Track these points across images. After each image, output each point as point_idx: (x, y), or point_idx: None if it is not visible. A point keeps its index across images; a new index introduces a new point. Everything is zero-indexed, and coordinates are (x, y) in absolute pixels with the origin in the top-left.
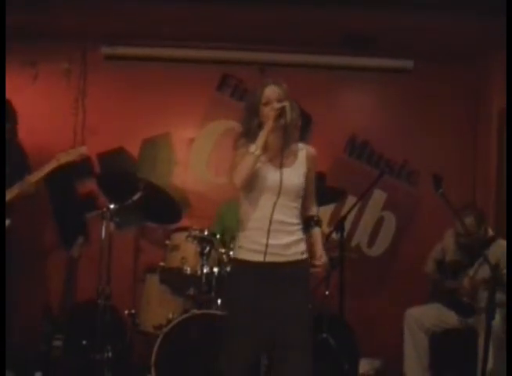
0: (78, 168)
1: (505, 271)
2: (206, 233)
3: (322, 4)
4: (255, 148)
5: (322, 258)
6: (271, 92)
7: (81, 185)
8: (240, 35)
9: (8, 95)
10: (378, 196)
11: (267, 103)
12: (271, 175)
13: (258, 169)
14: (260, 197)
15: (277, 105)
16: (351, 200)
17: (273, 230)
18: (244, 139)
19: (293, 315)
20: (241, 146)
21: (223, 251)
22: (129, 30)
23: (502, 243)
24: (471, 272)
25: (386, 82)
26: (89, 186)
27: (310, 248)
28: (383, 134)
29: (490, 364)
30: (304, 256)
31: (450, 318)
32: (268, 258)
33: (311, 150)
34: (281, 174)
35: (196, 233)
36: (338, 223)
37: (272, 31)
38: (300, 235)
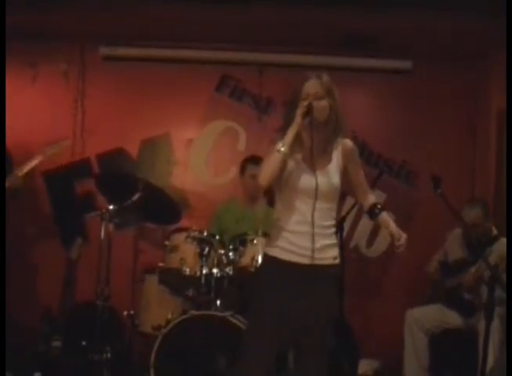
0: (77, 169)
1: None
2: (205, 234)
3: (321, 4)
4: (281, 145)
5: (401, 237)
6: (310, 86)
7: (79, 185)
8: (239, 36)
9: (7, 96)
10: (377, 196)
11: (305, 99)
12: (304, 177)
13: (292, 169)
14: (295, 199)
15: (305, 102)
16: (350, 200)
17: (309, 233)
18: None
19: (318, 317)
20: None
21: (222, 252)
22: (128, 30)
23: (504, 241)
24: (473, 269)
25: (385, 83)
26: (88, 186)
27: (386, 233)
28: (382, 134)
29: (490, 365)
30: (337, 261)
31: (451, 318)
32: (304, 260)
33: (347, 143)
34: (316, 177)
35: (196, 234)
36: (337, 224)
37: (271, 32)
38: (334, 239)
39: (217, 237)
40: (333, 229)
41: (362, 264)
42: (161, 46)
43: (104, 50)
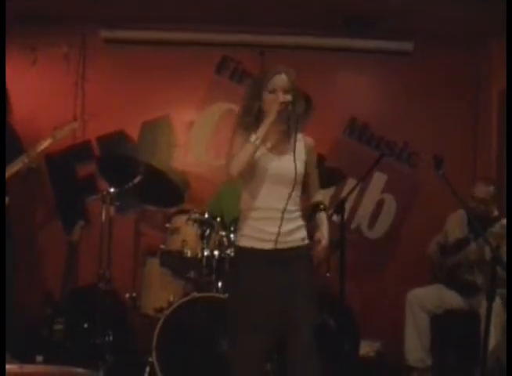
0: (78, 152)
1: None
2: (206, 216)
3: None
4: (255, 138)
5: (321, 242)
6: (279, 80)
7: (81, 168)
8: (239, 17)
9: (7, 79)
10: (378, 178)
11: (273, 91)
12: (271, 165)
13: (258, 159)
14: (261, 186)
15: (282, 98)
16: (351, 182)
17: (275, 218)
18: (243, 120)
19: (298, 298)
20: (239, 135)
21: (224, 233)
22: (128, 13)
23: (505, 222)
24: (474, 244)
25: (386, 64)
26: (89, 169)
27: (314, 233)
28: (383, 116)
29: (491, 345)
30: (305, 242)
31: (452, 299)
32: (272, 246)
33: (309, 140)
34: (295, 163)
35: (197, 216)
36: (338, 205)
37: (271, 13)
38: (300, 222)
39: (218, 219)
40: (298, 213)
41: (363, 245)
42: (162, 29)
43: (104, 33)
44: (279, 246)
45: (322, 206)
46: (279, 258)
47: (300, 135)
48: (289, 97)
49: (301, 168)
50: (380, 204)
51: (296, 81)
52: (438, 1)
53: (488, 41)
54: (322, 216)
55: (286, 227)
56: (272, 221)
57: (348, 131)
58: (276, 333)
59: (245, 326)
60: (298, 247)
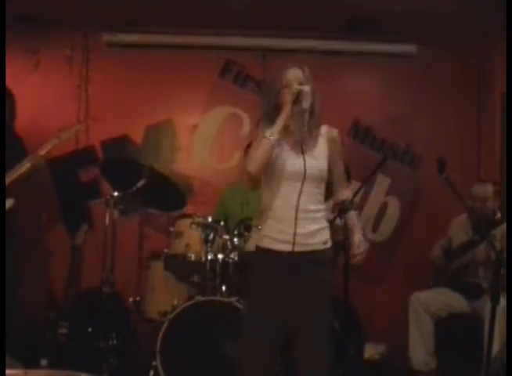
0: (82, 156)
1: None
2: (210, 219)
3: None
4: (270, 133)
5: (360, 247)
6: (292, 74)
7: (84, 172)
8: (242, 21)
9: (9, 83)
10: (382, 181)
11: (287, 86)
12: (291, 162)
13: (278, 156)
14: (281, 185)
15: (294, 89)
16: (354, 185)
17: (298, 218)
18: (264, 124)
19: (315, 302)
20: (261, 132)
21: (227, 237)
22: (131, 16)
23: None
24: (482, 246)
25: (389, 67)
26: (93, 173)
27: (348, 236)
28: (386, 118)
29: (495, 348)
30: (328, 245)
31: (456, 301)
32: (290, 248)
33: (332, 132)
34: (304, 160)
35: (200, 219)
36: (342, 208)
37: (274, 17)
38: (324, 223)
39: (221, 223)
40: (321, 213)
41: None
42: (165, 32)
43: (107, 36)
44: (297, 248)
45: (346, 204)
46: (295, 262)
47: (323, 129)
48: (307, 87)
49: (318, 164)
50: (383, 207)
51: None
52: (440, 3)
53: (490, 43)
54: (352, 216)
55: (306, 228)
56: (290, 221)
57: (351, 134)
58: (285, 334)
59: (256, 327)
60: (318, 251)
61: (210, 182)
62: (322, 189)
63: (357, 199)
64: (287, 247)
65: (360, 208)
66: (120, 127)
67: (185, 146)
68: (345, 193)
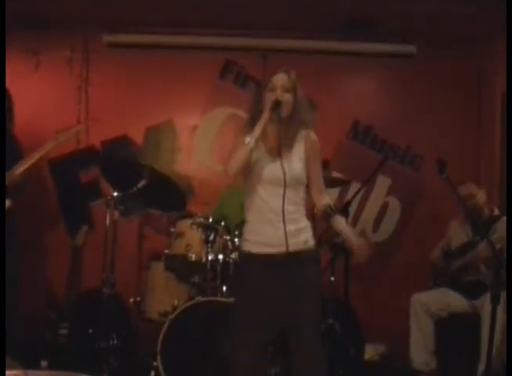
0: (82, 157)
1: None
2: (210, 220)
3: None
4: (250, 139)
5: (360, 246)
6: (277, 78)
7: (84, 173)
8: (242, 21)
9: (10, 84)
10: (382, 181)
11: (272, 90)
12: (269, 166)
13: (256, 160)
14: (259, 189)
15: (274, 96)
16: (355, 185)
17: (277, 221)
18: (248, 126)
19: (303, 303)
20: (242, 136)
21: (228, 238)
22: (131, 17)
23: (505, 219)
24: (483, 244)
25: (389, 67)
26: (93, 174)
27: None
28: (386, 119)
29: (495, 349)
30: (309, 245)
31: (457, 301)
32: (276, 250)
33: (312, 135)
34: (281, 164)
35: (201, 220)
36: (343, 209)
37: (274, 17)
38: (302, 223)
39: (222, 223)
40: (299, 214)
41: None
42: (165, 33)
43: (108, 37)
44: (277, 250)
45: (333, 208)
46: (278, 262)
47: (304, 133)
48: (287, 96)
49: (294, 167)
50: (384, 208)
51: (299, 84)
52: (440, 3)
53: (490, 43)
54: (340, 220)
55: (289, 229)
56: (270, 224)
57: (352, 135)
58: (276, 332)
59: (242, 330)
60: (303, 251)
61: (210, 182)
62: (299, 192)
63: (357, 199)
64: (266, 249)
65: (361, 209)
66: (120, 128)
67: (186, 146)
68: (325, 198)
